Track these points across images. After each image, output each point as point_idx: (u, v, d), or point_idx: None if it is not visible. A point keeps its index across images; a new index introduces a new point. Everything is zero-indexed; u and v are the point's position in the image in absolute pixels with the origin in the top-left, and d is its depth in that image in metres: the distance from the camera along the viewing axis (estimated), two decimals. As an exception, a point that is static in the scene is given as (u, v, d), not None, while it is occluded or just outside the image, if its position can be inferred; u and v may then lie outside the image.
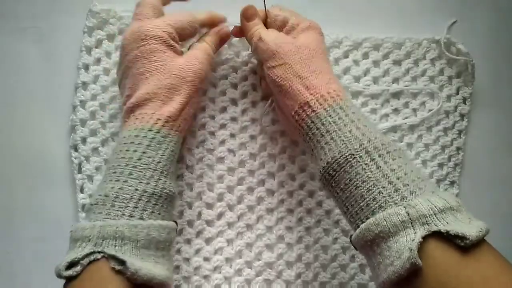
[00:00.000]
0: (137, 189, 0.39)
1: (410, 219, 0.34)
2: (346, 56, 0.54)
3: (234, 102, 0.53)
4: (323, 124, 0.40)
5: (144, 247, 0.37)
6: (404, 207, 0.34)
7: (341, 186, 0.39)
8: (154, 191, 0.39)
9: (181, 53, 0.45)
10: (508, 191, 0.56)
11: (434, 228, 0.33)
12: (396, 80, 0.55)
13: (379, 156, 0.37)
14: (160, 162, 0.41)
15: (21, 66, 0.53)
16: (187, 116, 0.45)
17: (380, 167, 0.37)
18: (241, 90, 0.53)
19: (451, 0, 0.57)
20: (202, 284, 0.52)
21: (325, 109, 0.41)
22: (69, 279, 0.35)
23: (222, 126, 0.53)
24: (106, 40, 0.52)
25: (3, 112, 0.53)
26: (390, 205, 0.35)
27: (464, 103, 0.55)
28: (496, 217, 0.55)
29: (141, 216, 0.38)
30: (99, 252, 0.35)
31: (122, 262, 0.34)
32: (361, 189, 0.37)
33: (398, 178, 0.36)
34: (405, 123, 0.54)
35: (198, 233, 0.52)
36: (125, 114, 0.43)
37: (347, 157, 0.38)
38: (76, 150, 0.51)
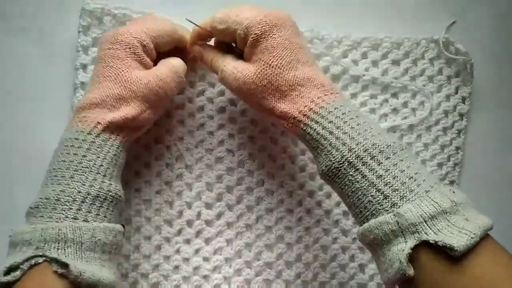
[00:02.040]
0: (80, 191, 0.37)
1: (400, 228, 0.34)
2: (345, 56, 0.54)
3: (233, 102, 0.53)
4: (307, 142, 0.41)
5: (89, 249, 0.36)
6: (394, 215, 0.34)
7: (338, 193, 0.41)
8: (98, 193, 0.38)
9: (148, 66, 0.43)
10: (508, 191, 0.56)
11: (424, 237, 0.32)
12: (395, 79, 0.55)
13: (363, 164, 0.37)
14: (102, 166, 0.39)
15: (21, 66, 0.53)
16: (136, 125, 0.43)
17: (366, 176, 0.37)
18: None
19: (450, 0, 0.57)
20: (202, 284, 0.52)
21: (302, 129, 0.41)
22: (8, 286, 0.33)
23: (221, 126, 0.53)
24: (102, 38, 0.52)
25: (3, 112, 0.53)
26: (381, 212, 0.35)
27: (463, 102, 0.55)
28: (496, 217, 0.54)
29: (85, 218, 0.37)
30: (40, 256, 0.34)
31: (64, 265, 0.33)
32: (352, 199, 0.38)
33: (386, 184, 0.36)
34: (399, 124, 0.55)
35: (198, 233, 0.52)
36: (74, 112, 0.42)
37: (333, 170, 0.39)
38: (75, 150, 0.51)
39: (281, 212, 0.53)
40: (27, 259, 0.33)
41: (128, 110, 0.41)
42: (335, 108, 0.40)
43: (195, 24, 0.45)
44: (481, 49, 0.56)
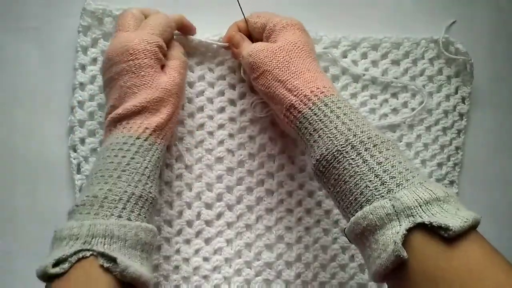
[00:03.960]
0: (126, 191, 0.39)
1: (395, 211, 0.34)
2: (344, 56, 0.54)
3: (232, 102, 0.53)
4: (310, 123, 0.41)
5: (131, 247, 0.37)
6: (390, 199, 0.35)
7: (332, 182, 0.40)
8: (141, 194, 0.40)
9: (163, 62, 0.47)
10: (507, 191, 0.56)
11: (419, 220, 0.33)
12: (395, 79, 0.55)
13: (365, 150, 0.38)
14: (147, 168, 0.42)
15: (21, 66, 0.53)
16: (172, 125, 0.46)
17: (367, 161, 0.37)
18: (240, 90, 0.53)
19: (450, 0, 0.57)
20: (202, 284, 0.52)
21: (310, 108, 0.42)
22: (53, 278, 0.34)
23: (221, 126, 0.53)
24: (102, 39, 0.52)
25: (2, 112, 0.53)
26: (377, 198, 0.36)
27: (463, 102, 0.55)
28: (495, 217, 0.55)
29: (128, 217, 0.39)
30: (88, 250, 0.35)
31: (112, 260, 0.35)
32: (349, 184, 0.38)
33: (384, 171, 0.37)
34: (394, 121, 0.55)
35: (198, 233, 0.52)
36: (110, 123, 0.44)
37: (334, 153, 0.39)
38: (75, 150, 0.51)
39: (281, 212, 0.53)
40: (75, 252, 0.34)
41: (167, 110, 0.45)
42: (344, 100, 0.42)
43: (241, 8, 0.49)
44: (481, 49, 0.56)
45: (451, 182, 0.55)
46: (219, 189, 0.52)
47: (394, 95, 0.55)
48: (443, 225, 0.32)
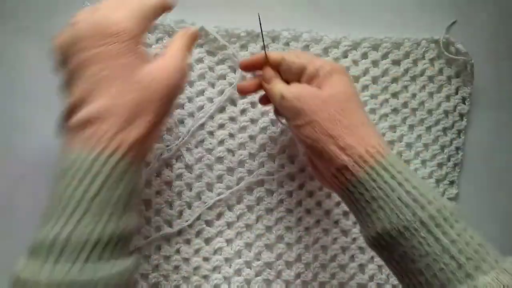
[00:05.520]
0: (92, 232, 0.31)
1: None
2: (345, 56, 0.54)
3: (233, 102, 0.53)
4: (367, 190, 0.36)
5: None
6: None
7: (396, 258, 0.35)
8: (112, 235, 0.32)
9: (145, 54, 0.36)
10: (507, 191, 0.56)
11: None
12: (395, 80, 0.55)
13: (436, 226, 0.34)
14: (122, 197, 0.32)
15: (21, 66, 0.53)
16: (156, 138, 0.38)
17: (439, 239, 0.33)
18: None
19: (450, 0, 0.57)
20: (202, 284, 0.52)
21: (366, 172, 0.36)
22: None
23: (221, 126, 0.53)
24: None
25: (2, 112, 0.53)
26: (455, 284, 0.32)
27: (463, 103, 0.55)
28: (495, 217, 0.55)
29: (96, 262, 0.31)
30: None
31: None
32: (419, 264, 0.34)
33: (459, 251, 0.33)
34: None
35: (198, 233, 0.52)
36: (70, 131, 0.33)
37: (400, 229, 0.34)
38: (75, 150, 0.51)
39: (281, 212, 0.53)
40: None
41: (150, 118, 0.34)
42: (400, 160, 0.37)
43: (264, 45, 0.46)
44: (481, 49, 0.56)
45: (451, 182, 0.55)
46: (219, 189, 0.52)
47: (394, 95, 0.55)
48: None
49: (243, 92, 0.47)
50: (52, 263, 0.30)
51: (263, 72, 0.44)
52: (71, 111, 0.34)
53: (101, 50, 0.33)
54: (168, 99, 0.36)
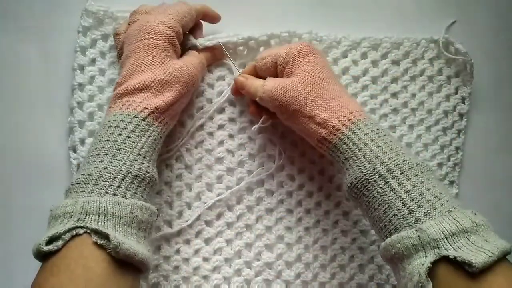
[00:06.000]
0: (121, 170, 0.39)
1: (421, 242, 0.35)
2: (344, 56, 0.54)
3: (232, 103, 0.53)
4: (341, 152, 0.43)
5: (126, 224, 0.37)
6: (416, 230, 0.36)
7: (364, 207, 0.42)
8: (137, 173, 0.40)
9: (178, 52, 0.47)
10: (507, 191, 0.56)
11: (444, 253, 0.33)
12: (395, 80, 0.55)
13: (393, 178, 0.39)
14: (143, 148, 0.41)
15: (21, 66, 0.53)
16: (173, 113, 0.46)
17: (394, 189, 0.39)
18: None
19: (450, 0, 0.57)
20: (202, 284, 0.52)
21: (339, 138, 0.43)
22: (47, 256, 0.34)
23: (221, 127, 0.53)
24: (101, 40, 0.52)
25: (2, 113, 0.53)
26: (404, 227, 0.37)
27: (463, 102, 0.55)
28: (495, 217, 0.54)
29: (124, 195, 0.38)
30: (81, 227, 0.34)
31: (105, 236, 0.34)
32: (378, 211, 0.40)
33: (412, 200, 0.38)
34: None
35: (198, 233, 0.52)
36: (112, 100, 0.44)
37: (363, 182, 0.40)
38: (74, 151, 0.51)
39: (281, 212, 0.53)
40: (69, 230, 0.34)
41: (171, 95, 0.44)
42: (370, 123, 0.43)
43: (234, 65, 0.52)
44: (481, 49, 0.56)
45: (451, 182, 0.55)
46: (219, 189, 0.52)
47: (394, 95, 0.55)
48: (466, 261, 0.32)
49: (236, 93, 0.52)
50: (88, 192, 0.37)
51: (236, 85, 0.50)
52: (118, 86, 0.44)
53: (140, 43, 0.44)
54: (187, 84, 0.46)
